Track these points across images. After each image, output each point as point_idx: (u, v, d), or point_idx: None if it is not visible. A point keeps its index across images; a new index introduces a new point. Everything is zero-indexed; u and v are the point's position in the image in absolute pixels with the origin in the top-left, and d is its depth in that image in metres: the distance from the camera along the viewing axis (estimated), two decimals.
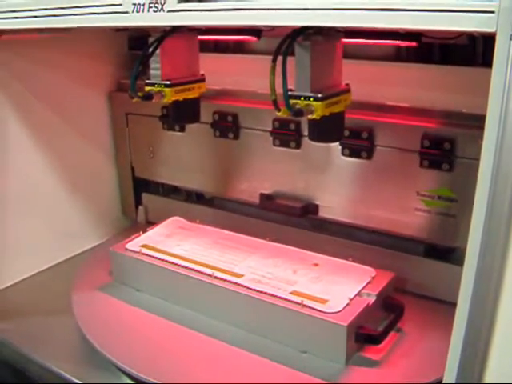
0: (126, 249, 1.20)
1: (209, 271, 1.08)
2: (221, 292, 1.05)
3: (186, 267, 1.11)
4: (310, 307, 0.95)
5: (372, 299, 0.99)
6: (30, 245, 1.30)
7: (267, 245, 1.21)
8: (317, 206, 1.19)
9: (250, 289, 1.02)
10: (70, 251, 1.40)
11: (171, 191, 1.54)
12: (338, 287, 1.02)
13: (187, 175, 1.41)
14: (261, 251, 1.18)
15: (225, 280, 1.06)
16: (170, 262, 1.13)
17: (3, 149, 1.23)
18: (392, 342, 0.99)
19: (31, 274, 1.31)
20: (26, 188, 1.28)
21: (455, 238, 1.05)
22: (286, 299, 0.99)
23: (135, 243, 1.22)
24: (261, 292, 1.01)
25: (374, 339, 0.95)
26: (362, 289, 1.02)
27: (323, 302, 0.97)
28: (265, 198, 1.26)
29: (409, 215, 1.08)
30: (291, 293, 1.01)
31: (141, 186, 1.54)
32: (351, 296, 0.99)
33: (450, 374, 0.63)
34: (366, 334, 0.95)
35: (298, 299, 0.97)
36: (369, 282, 1.04)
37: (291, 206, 1.20)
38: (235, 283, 1.05)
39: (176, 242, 1.23)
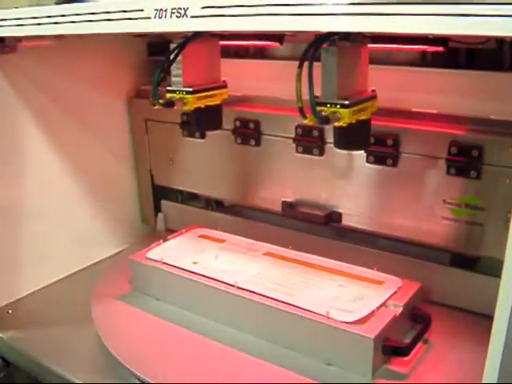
0: (147, 258, 1.18)
1: (231, 281, 1.06)
2: (244, 303, 1.03)
3: (208, 277, 1.09)
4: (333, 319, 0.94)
5: (399, 310, 0.96)
6: (48, 252, 1.29)
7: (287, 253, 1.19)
8: (340, 215, 1.17)
9: (274, 299, 1.00)
10: (88, 260, 1.39)
11: (191, 199, 1.54)
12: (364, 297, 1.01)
13: (207, 183, 1.39)
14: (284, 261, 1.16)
15: (246, 290, 1.04)
16: (191, 272, 1.11)
17: (21, 155, 1.22)
18: (419, 353, 0.97)
19: (49, 283, 1.30)
20: (43, 196, 1.27)
21: (482, 247, 1.03)
22: (309, 310, 0.97)
23: (156, 252, 1.20)
24: (285, 303, 0.99)
25: (402, 351, 0.93)
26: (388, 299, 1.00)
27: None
28: (287, 205, 1.24)
29: (435, 224, 1.06)
30: None
31: (160, 194, 1.53)
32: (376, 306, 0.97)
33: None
34: (393, 345, 0.93)
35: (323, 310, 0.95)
36: (394, 292, 1.01)
37: (314, 215, 1.18)
38: (256, 293, 1.03)
39: (194, 252, 1.21)
